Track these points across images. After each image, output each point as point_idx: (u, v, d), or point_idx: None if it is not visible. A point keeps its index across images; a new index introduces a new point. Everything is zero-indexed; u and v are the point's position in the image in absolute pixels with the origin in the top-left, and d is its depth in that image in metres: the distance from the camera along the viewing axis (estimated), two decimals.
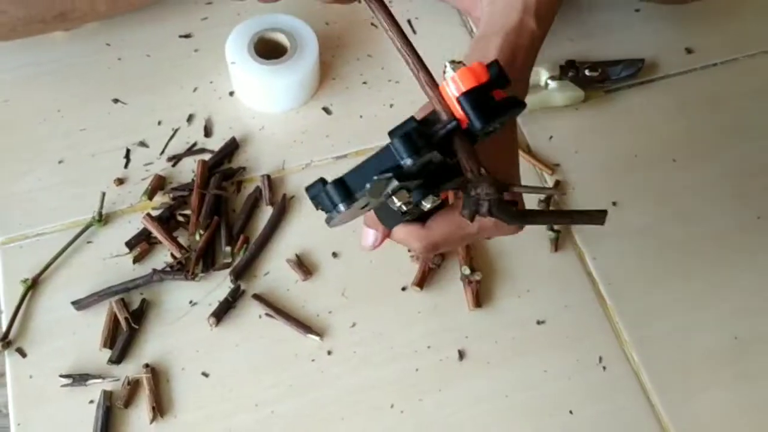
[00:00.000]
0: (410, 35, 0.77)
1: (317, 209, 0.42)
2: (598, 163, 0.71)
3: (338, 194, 0.41)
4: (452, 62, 0.42)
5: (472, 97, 0.41)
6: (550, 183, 0.69)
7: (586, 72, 0.74)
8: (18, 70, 0.72)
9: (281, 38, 0.71)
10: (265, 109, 0.72)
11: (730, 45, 0.80)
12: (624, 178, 0.70)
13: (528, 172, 0.70)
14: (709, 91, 0.77)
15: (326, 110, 0.73)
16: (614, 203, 0.69)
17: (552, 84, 0.73)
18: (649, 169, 0.71)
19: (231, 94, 0.73)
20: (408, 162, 0.40)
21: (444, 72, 0.42)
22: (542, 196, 0.68)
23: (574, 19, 0.80)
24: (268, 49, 0.70)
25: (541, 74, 0.74)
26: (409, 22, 0.79)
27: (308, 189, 0.42)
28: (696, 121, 0.74)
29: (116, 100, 0.72)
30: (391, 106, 0.73)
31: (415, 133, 0.40)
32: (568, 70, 0.74)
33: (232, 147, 0.69)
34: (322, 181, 0.42)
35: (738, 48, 0.79)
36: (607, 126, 0.73)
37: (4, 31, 0.66)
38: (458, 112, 0.41)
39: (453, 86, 0.41)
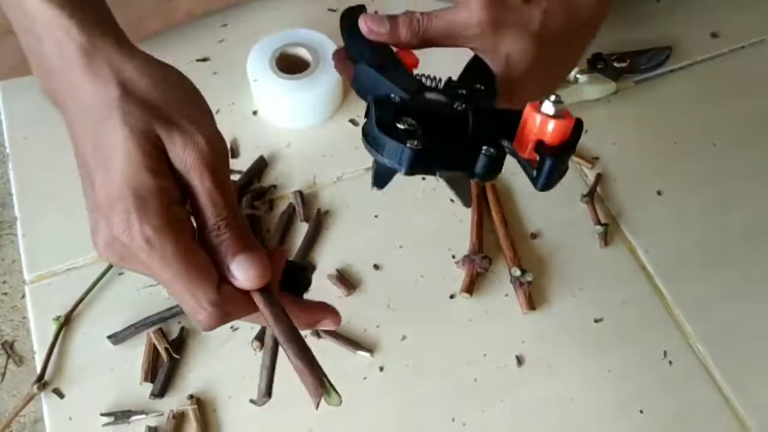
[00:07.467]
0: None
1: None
2: (637, 153, 0.69)
3: None
4: (556, 101, 0.38)
5: (553, 156, 0.38)
6: (591, 177, 0.67)
7: (615, 63, 0.73)
8: (36, 105, 0.71)
9: (302, 53, 0.69)
10: (291, 125, 0.70)
11: (755, 27, 0.78)
12: (665, 166, 0.68)
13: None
14: (739, 73, 0.75)
15: (353, 122, 0.70)
16: (659, 192, 0.67)
17: (582, 78, 0.71)
18: (690, 156, 0.69)
19: (254, 113, 0.71)
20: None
21: (541, 103, 0.39)
22: (585, 191, 0.66)
23: None
24: (289, 65, 0.69)
25: None
26: None
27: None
28: (730, 105, 0.72)
29: None
30: None
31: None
32: (596, 63, 0.72)
33: (261, 166, 0.67)
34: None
35: (764, 29, 0.78)
36: (642, 116, 0.71)
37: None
38: (529, 152, 0.39)
39: (541, 126, 0.38)
